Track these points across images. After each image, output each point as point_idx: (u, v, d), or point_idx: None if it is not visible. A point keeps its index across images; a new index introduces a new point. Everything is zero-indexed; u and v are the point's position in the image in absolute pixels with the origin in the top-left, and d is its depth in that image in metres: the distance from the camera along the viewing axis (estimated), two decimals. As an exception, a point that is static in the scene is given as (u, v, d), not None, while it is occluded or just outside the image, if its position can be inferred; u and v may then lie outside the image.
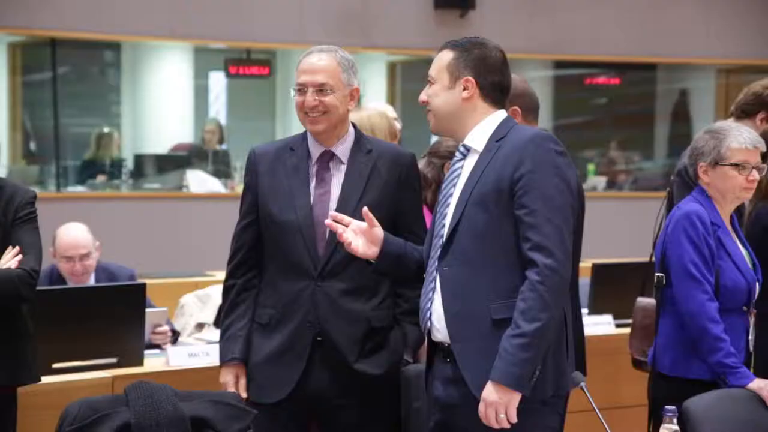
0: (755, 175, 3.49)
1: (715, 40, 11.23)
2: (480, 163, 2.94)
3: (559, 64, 11.77)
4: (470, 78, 2.97)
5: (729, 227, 3.54)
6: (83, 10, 9.27)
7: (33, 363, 3.49)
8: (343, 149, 3.32)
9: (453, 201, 2.96)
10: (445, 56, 3.02)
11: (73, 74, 11.10)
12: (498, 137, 2.94)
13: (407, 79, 12.02)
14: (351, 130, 3.36)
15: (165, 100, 11.53)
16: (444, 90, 3.00)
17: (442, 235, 2.95)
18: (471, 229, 2.89)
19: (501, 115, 3.01)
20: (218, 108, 12.59)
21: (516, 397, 2.79)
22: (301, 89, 3.26)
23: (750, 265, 3.52)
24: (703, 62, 11.64)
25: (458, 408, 2.94)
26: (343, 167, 3.31)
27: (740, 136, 3.47)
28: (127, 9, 9.39)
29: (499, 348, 2.80)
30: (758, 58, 11.40)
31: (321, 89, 3.24)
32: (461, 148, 3.01)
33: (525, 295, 2.80)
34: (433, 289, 2.96)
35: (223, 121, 11.91)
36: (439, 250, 2.96)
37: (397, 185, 3.32)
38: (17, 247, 3.39)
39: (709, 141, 3.49)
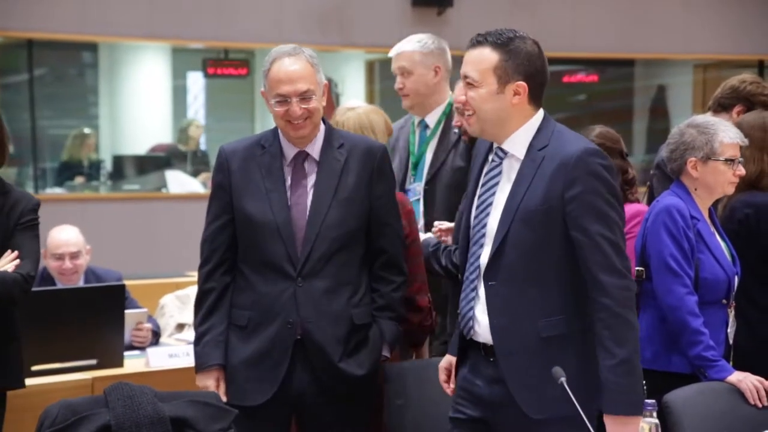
0: (742, 170, 3.51)
1: (692, 35, 11.29)
2: (524, 174, 2.87)
3: (537, 61, 11.78)
4: (522, 83, 2.86)
5: (708, 220, 3.55)
6: (60, 11, 9.22)
7: (21, 367, 3.50)
8: (315, 148, 3.30)
9: (495, 210, 2.91)
10: (489, 57, 2.86)
11: (50, 75, 11.04)
12: (540, 145, 2.88)
13: (386, 77, 11.99)
14: (321, 126, 3.33)
15: (143, 101, 11.50)
16: (492, 95, 2.86)
17: (482, 244, 2.91)
18: (518, 246, 2.86)
19: (540, 116, 2.94)
20: (197, 108, 12.56)
21: (638, 422, 2.76)
22: (284, 100, 3.21)
23: (729, 258, 3.54)
24: (681, 58, 11.70)
25: (502, 407, 2.92)
26: (317, 166, 3.28)
27: (729, 131, 3.49)
28: (104, 9, 9.35)
29: (604, 381, 2.78)
30: (735, 54, 11.47)
31: (304, 96, 3.21)
32: (499, 153, 2.94)
33: (607, 322, 2.78)
34: (475, 298, 2.94)
35: (201, 121, 11.88)
36: (479, 262, 2.92)
37: (370, 178, 3.31)
38: (15, 252, 3.40)
39: (699, 136, 3.49)
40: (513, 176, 2.90)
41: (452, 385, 3.13)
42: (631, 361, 2.78)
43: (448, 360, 3.15)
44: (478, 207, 2.97)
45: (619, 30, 11.04)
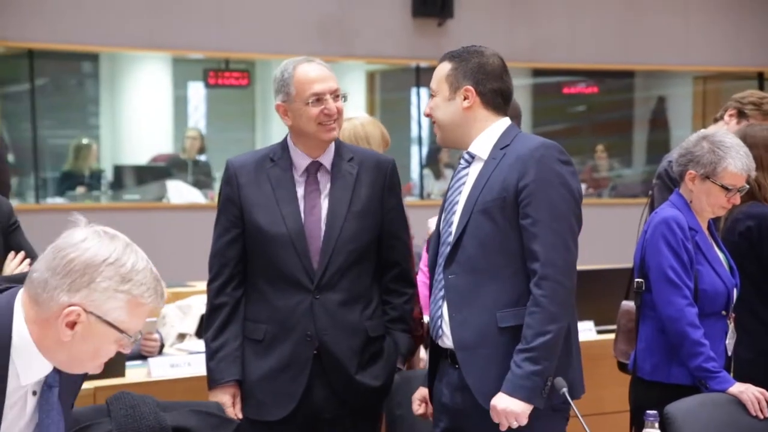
0: (737, 199, 3.51)
1: (692, 47, 11.31)
2: (484, 171, 2.95)
3: (537, 72, 11.82)
4: (469, 87, 2.98)
5: (706, 232, 3.56)
6: (61, 21, 9.24)
7: None
8: (328, 158, 3.29)
9: (459, 208, 2.97)
10: (444, 68, 3.02)
11: (51, 85, 11.06)
12: (502, 145, 2.96)
13: (386, 88, 12.06)
14: None
15: (144, 111, 11.51)
16: (445, 101, 3.01)
17: (449, 243, 2.96)
18: (476, 238, 2.90)
19: (504, 122, 3.02)
20: (197, 118, 12.58)
21: (528, 409, 2.82)
22: (320, 98, 3.20)
23: (728, 270, 3.54)
24: (680, 69, 11.72)
25: (465, 415, 2.95)
26: (329, 177, 3.28)
27: (739, 160, 3.45)
28: (105, 19, 9.37)
29: (511, 362, 2.83)
30: (734, 66, 11.49)
31: (337, 95, 3.24)
32: (466, 156, 3.03)
33: (531, 309, 2.82)
34: (443, 297, 2.97)
35: (202, 131, 11.89)
36: (445, 258, 2.97)
37: (381, 191, 3.31)
38: (21, 252, 3.40)
39: (708, 153, 3.47)
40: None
41: (428, 412, 3.16)
42: (537, 350, 2.80)
43: (421, 392, 3.19)
44: (445, 209, 3.03)
45: (618, 41, 11.06)
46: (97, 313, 2.07)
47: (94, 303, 2.07)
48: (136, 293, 2.10)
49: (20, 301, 2.12)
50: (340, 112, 3.24)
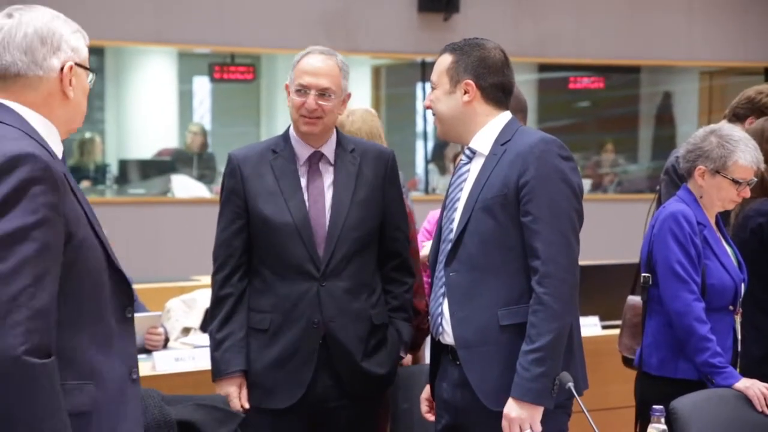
0: (747, 192, 3.50)
1: (698, 42, 11.29)
2: (486, 168, 2.93)
3: (543, 67, 11.80)
4: (470, 81, 2.95)
5: (714, 226, 3.55)
6: (65, 15, 9.23)
7: None
8: (329, 149, 3.32)
9: (460, 205, 2.95)
10: (445, 60, 3.00)
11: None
12: (503, 140, 2.93)
13: (392, 83, 12.03)
14: (333, 130, 3.36)
15: (149, 105, 11.51)
16: (445, 95, 2.98)
17: (451, 240, 2.95)
18: (478, 235, 2.88)
19: (505, 117, 3.00)
20: (203, 113, 12.57)
21: (539, 411, 2.81)
22: (303, 90, 3.24)
23: (736, 264, 3.53)
24: (687, 65, 11.69)
25: (466, 411, 2.95)
26: (332, 167, 3.30)
27: (748, 153, 3.46)
28: (110, 13, 9.36)
29: (517, 363, 2.81)
30: (741, 61, 11.47)
31: (323, 93, 3.23)
32: (467, 152, 3.01)
33: (534, 308, 2.80)
34: (443, 294, 2.96)
35: (207, 126, 11.88)
36: (446, 255, 2.96)
37: (383, 182, 3.34)
38: None
39: (717, 148, 3.47)
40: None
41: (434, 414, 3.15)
42: (543, 350, 2.78)
43: (428, 391, 3.18)
44: (446, 206, 3.02)
45: (624, 37, 11.04)
46: (77, 60, 2.23)
47: (75, 51, 2.23)
48: (76, 27, 2.30)
49: (7, 102, 2.18)
50: (324, 110, 3.23)
